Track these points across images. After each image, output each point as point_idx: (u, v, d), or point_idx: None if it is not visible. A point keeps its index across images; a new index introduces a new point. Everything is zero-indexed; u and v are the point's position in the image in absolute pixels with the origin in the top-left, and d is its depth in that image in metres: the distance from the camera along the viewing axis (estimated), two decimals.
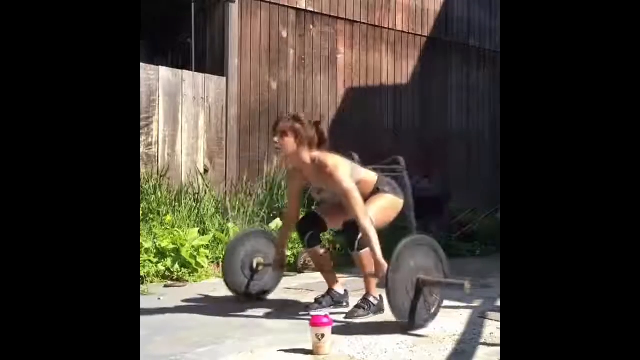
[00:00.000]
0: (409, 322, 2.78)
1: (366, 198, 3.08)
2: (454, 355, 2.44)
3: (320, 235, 3.35)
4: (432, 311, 2.89)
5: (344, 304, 3.31)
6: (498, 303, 3.27)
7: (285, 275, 4.54)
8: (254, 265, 3.53)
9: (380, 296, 3.16)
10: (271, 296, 3.69)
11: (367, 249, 2.97)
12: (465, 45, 7.75)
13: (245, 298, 3.50)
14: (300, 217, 3.39)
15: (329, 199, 3.22)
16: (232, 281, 3.51)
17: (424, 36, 7.36)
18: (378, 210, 3.09)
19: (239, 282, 3.51)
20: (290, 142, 3.05)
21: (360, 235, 2.98)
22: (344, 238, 3.20)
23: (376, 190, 3.16)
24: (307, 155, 3.09)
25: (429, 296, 2.86)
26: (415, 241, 2.92)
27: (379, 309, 3.14)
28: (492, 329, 2.84)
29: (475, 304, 3.45)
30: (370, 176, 3.21)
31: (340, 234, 3.99)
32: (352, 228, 3.02)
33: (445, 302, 3.47)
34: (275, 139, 3.09)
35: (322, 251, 3.34)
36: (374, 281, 3.14)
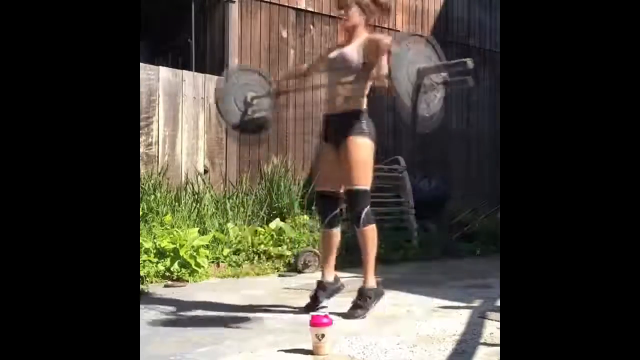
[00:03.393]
0: (411, 122, 2.76)
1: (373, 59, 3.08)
2: (454, 355, 2.44)
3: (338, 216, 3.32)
4: (432, 106, 2.85)
5: (340, 287, 3.30)
6: (498, 303, 3.28)
7: (285, 275, 4.57)
8: (248, 99, 3.43)
9: (377, 282, 3.14)
10: (271, 296, 3.69)
11: (372, 225, 3.06)
12: (465, 45, 7.75)
13: (242, 132, 3.50)
14: (316, 195, 3.37)
15: (339, 68, 3.20)
16: (227, 116, 3.44)
17: (424, 36, 7.35)
18: (366, 168, 3.11)
19: (233, 115, 3.42)
20: (355, 14, 3.15)
21: (365, 211, 3.05)
22: (349, 214, 3.19)
23: (358, 123, 3.13)
24: (362, 30, 3.18)
25: (430, 98, 2.80)
26: (405, 36, 2.98)
27: (378, 295, 3.12)
28: (492, 329, 2.84)
29: (475, 304, 3.45)
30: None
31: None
32: (356, 203, 3.05)
33: (446, 302, 3.49)
34: (342, 12, 3.17)
35: (336, 237, 3.28)
36: (372, 267, 3.13)
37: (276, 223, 5.14)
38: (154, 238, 4.31)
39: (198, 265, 4.28)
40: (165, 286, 4.02)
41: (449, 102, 8.11)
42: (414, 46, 2.82)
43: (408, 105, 2.74)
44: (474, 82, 2.72)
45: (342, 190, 3.21)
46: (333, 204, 3.26)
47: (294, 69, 3.48)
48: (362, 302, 3.11)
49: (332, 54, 3.27)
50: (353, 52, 3.14)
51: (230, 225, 4.97)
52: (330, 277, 3.31)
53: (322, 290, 3.27)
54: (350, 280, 3.73)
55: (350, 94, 3.15)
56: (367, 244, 3.10)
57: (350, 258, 4.76)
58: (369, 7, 3.17)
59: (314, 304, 3.18)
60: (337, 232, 3.27)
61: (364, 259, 3.15)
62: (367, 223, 3.08)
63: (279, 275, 4.60)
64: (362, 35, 3.19)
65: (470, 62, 2.69)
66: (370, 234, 3.10)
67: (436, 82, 2.81)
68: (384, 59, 2.98)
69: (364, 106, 3.17)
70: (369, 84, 3.15)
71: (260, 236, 4.94)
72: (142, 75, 5.28)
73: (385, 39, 3.05)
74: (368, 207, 3.10)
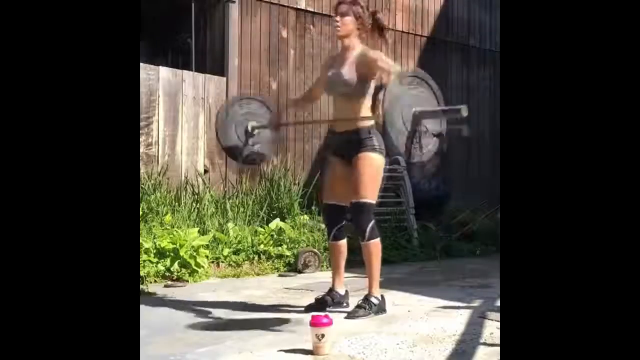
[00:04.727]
0: (404, 154, 2.77)
1: (369, 76, 3.10)
2: (454, 355, 2.44)
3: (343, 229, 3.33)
4: (425, 151, 2.87)
5: (344, 304, 3.31)
6: (498, 303, 3.27)
7: (285, 275, 4.56)
8: (249, 129, 3.43)
9: (382, 296, 3.16)
10: (271, 296, 3.69)
11: (377, 239, 3.07)
12: (465, 45, 7.75)
13: (241, 163, 3.47)
14: (323, 208, 3.38)
15: (339, 90, 3.19)
16: (227, 145, 3.44)
17: (424, 36, 7.36)
18: (375, 181, 3.12)
19: (233, 146, 3.43)
20: (349, 21, 3.13)
21: (370, 225, 3.06)
22: (354, 227, 3.19)
23: (369, 139, 3.12)
24: (357, 40, 3.17)
25: (423, 137, 2.83)
26: (403, 74, 2.98)
27: (380, 309, 3.14)
28: (492, 329, 2.84)
29: (475, 304, 3.45)
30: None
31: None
32: (361, 217, 3.06)
33: (446, 302, 3.49)
34: (337, 18, 3.14)
35: (343, 248, 3.30)
36: (376, 280, 3.15)
37: (276, 223, 5.13)
38: (154, 238, 4.31)
39: (198, 265, 4.28)
40: (165, 286, 4.02)
41: (449, 102, 8.10)
42: (413, 89, 2.83)
43: (398, 147, 2.78)
44: (468, 131, 2.73)
45: (347, 204, 3.23)
46: (338, 217, 3.27)
47: (299, 97, 3.45)
48: (366, 305, 3.12)
49: (330, 73, 3.25)
50: (350, 72, 3.12)
51: (230, 225, 4.96)
52: (340, 288, 3.33)
53: (331, 299, 3.29)
54: (351, 281, 3.73)
55: (356, 112, 3.14)
56: (372, 258, 3.12)
57: (350, 257, 4.76)
58: (364, 20, 3.16)
59: (318, 307, 3.18)
60: (343, 243, 3.30)
61: (369, 272, 3.16)
62: (371, 237, 3.09)
63: (279, 275, 4.60)
64: (357, 48, 3.17)
65: (464, 110, 2.72)
66: (375, 248, 3.12)
67: (432, 132, 2.85)
68: (381, 63, 2.99)
69: (372, 121, 3.15)
70: (371, 94, 3.14)
71: (260, 236, 4.94)
72: (142, 75, 5.28)
73: (382, 62, 3.03)
74: (373, 221, 3.12)
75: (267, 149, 3.58)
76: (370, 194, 3.10)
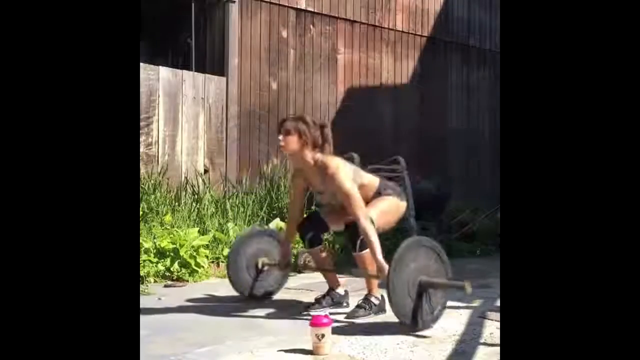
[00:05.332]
0: (411, 323, 2.78)
1: (368, 201, 3.10)
2: (454, 355, 2.44)
3: (322, 236, 3.35)
4: (435, 313, 2.89)
5: (344, 304, 3.31)
6: (498, 303, 3.27)
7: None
8: (259, 265, 3.53)
9: (382, 296, 3.16)
10: (271, 296, 3.69)
11: (368, 250, 2.99)
12: (465, 45, 7.75)
13: (249, 298, 3.50)
14: (303, 217, 3.40)
15: (330, 201, 3.22)
16: (236, 281, 3.51)
17: (424, 36, 7.36)
18: (379, 212, 3.11)
19: (244, 282, 3.52)
20: (293, 140, 3.08)
21: (361, 237, 3.00)
22: (345, 238, 3.20)
23: (378, 194, 3.18)
24: (309, 156, 3.11)
25: (432, 297, 2.86)
26: (417, 243, 2.93)
27: (380, 309, 3.14)
28: (492, 329, 2.84)
29: (475, 304, 3.45)
30: (372, 180, 3.22)
31: (342, 234, 3.97)
32: (354, 229, 3.04)
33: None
34: (280, 137, 3.11)
35: (323, 252, 3.35)
36: (375, 281, 3.15)
37: (276, 223, 5.13)
38: (154, 238, 4.31)
39: (198, 265, 4.28)
40: (165, 286, 4.02)
41: (449, 102, 8.09)
42: (416, 261, 2.83)
43: (407, 323, 2.78)
44: (471, 291, 2.82)
45: (333, 228, 3.31)
46: (315, 226, 3.28)
47: (291, 229, 3.47)
48: (366, 305, 3.12)
49: (315, 195, 3.28)
50: (326, 188, 3.13)
51: (230, 225, 4.96)
52: (338, 288, 3.34)
53: (331, 299, 3.29)
54: (351, 280, 3.73)
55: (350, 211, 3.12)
56: (366, 266, 3.10)
57: (349, 258, 4.76)
58: (310, 136, 3.09)
59: (318, 307, 3.18)
60: (319, 249, 3.31)
61: (366, 278, 3.16)
62: (362, 248, 3.06)
63: None
64: (313, 159, 3.11)
65: (468, 287, 2.79)
66: (368, 258, 3.06)
67: (437, 303, 2.89)
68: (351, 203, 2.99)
69: (373, 191, 3.18)
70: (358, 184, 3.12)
71: None
72: (142, 75, 5.27)
73: (352, 202, 2.99)
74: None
75: (275, 287, 3.65)
76: (373, 214, 3.05)
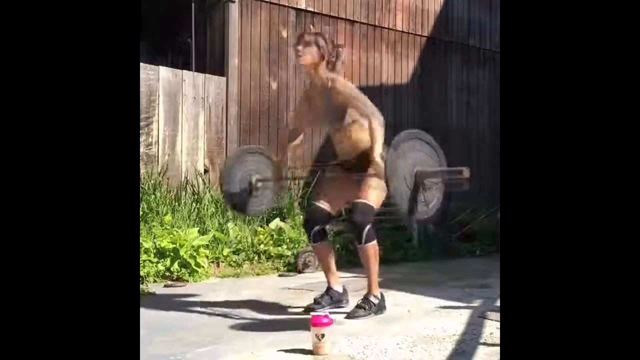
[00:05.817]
0: (407, 211, 2.78)
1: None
2: (454, 355, 2.44)
3: (327, 230, 3.34)
4: (431, 206, 2.88)
5: (344, 302, 3.31)
6: (498, 303, 3.28)
7: (285, 275, 4.57)
8: (253, 182, 3.47)
9: (382, 295, 3.16)
10: (271, 296, 3.69)
11: (373, 242, 3.03)
12: (465, 45, 7.74)
13: (244, 214, 3.51)
14: (305, 211, 3.41)
15: (333, 126, 3.23)
16: (232, 196, 3.47)
17: (424, 36, 7.36)
18: (377, 195, 3.12)
19: (240, 198, 3.47)
20: (312, 52, 3.16)
21: (367, 228, 3.03)
22: (351, 230, 3.20)
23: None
24: (324, 71, 3.18)
25: (427, 189, 2.84)
26: (410, 135, 2.95)
27: (380, 309, 3.14)
28: (492, 329, 2.84)
29: (475, 304, 3.45)
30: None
31: (342, 234, 3.95)
32: (360, 218, 3.04)
33: (446, 302, 3.49)
34: (299, 47, 3.16)
35: (327, 248, 3.33)
36: (376, 280, 3.15)
37: (276, 223, 5.14)
38: (154, 238, 4.31)
39: (198, 265, 4.28)
40: (165, 286, 4.02)
41: (449, 102, 8.09)
42: (410, 153, 2.84)
43: (405, 209, 2.78)
44: (468, 185, 2.82)
45: (334, 212, 3.28)
46: (318, 219, 3.27)
47: (285, 137, 3.51)
48: (365, 305, 3.12)
49: (311, 112, 3.32)
50: (333, 107, 3.15)
51: (230, 225, 4.97)
52: (337, 286, 3.34)
53: (330, 298, 3.29)
54: (351, 280, 3.73)
55: (353, 139, 3.18)
56: (370, 261, 3.11)
57: (349, 258, 4.77)
58: (327, 52, 3.18)
59: (318, 307, 3.18)
60: (323, 245, 3.30)
61: (367, 274, 3.17)
62: (368, 240, 3.08)
63: (279, 275, 4.60)
64: (327, 79, 3.17)
65: (466, 172, 2.79)
66: (372, 251, 3.10)
67: (434, 182, 2.87)
68: (358, 104, 3.07)
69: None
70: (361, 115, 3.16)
71: (260, 236, 4.94)
72: (142, 75, 5.27)
73: (359, 103, 3.08)
74: (370, 225, 3.10)
75: (269, 201, 3.65)
76: (374, 201, 3.10)
